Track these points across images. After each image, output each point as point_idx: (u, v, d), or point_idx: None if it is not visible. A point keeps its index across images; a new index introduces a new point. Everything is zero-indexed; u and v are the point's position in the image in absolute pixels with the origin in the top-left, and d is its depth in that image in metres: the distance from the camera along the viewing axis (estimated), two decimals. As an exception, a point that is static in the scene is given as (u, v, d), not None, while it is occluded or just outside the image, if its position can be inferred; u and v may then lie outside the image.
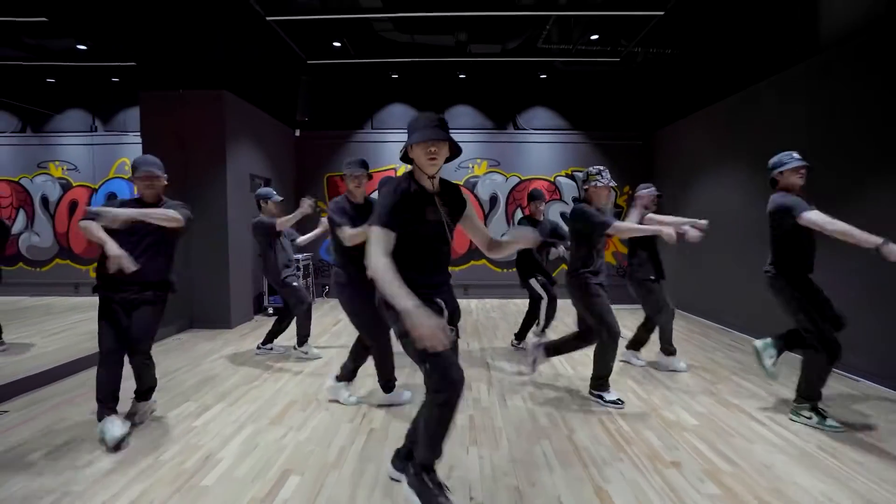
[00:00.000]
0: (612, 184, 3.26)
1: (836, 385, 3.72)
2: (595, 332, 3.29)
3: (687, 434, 2.86)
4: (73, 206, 8.22)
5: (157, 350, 3.10)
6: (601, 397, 3.33)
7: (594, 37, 6.43)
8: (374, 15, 5.81)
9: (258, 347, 4.63)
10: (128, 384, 3.02)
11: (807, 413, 2.96)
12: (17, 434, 2.82)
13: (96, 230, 2.56)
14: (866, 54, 3.88)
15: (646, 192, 4.06)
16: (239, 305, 5.97)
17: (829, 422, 2.90)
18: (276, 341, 4.64)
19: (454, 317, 2.09)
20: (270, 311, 6.52)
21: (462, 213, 2.10)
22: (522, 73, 7.86)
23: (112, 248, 2.55)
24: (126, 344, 2.80)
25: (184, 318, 5.61)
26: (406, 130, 1.97)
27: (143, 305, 2.84)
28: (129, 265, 2.54)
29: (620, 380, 3.80)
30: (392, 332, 3.42)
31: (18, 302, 7.30)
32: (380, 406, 3.25)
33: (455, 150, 1.97)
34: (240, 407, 3.26)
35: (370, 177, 3.25)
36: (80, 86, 7.97)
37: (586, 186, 3.28)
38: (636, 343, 4.26)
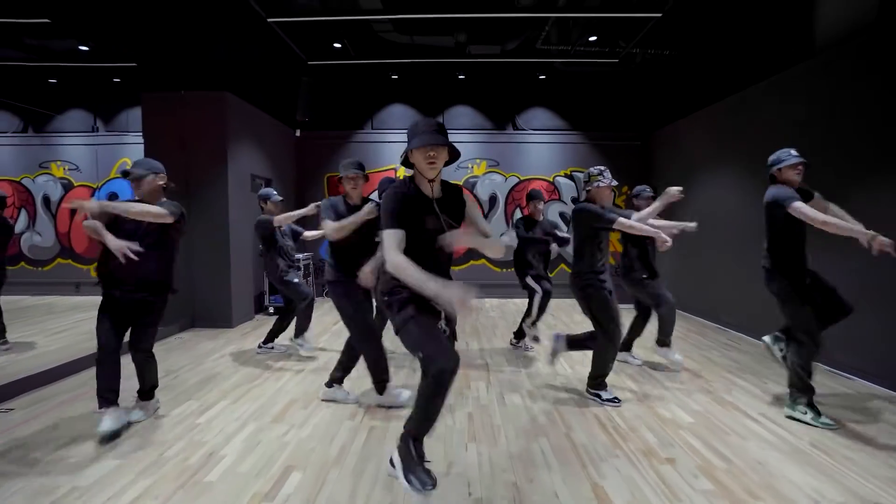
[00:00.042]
0: (614, 183, 3.31)
1: (830, 383, 3.77)
2: (596, 334, 3.34)
3: (682, 431, 2.90)
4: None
5: (159, 349, 3.15)
6: (598, 396, 3.38)
7: (593, 38, 6.47)
8: (374, 16, 5.85)
9: (259, 346, 4.68)
10: (131, 384, 3.08)
11: (802, 408, 3.02)
12: (24, 431, 2.87)
13: (100, 228, 2.68)
14: (866, 54, 3.90)
15: (644, 193, 4.19)
16: (240, 305, 6.02)
17: (823, 419, 2.95)
18: (276, 340, 4.69)
19: (452, 319, 2.16)
20: (271, 310, 6.57)
21: (463, 215, 2.16)
22: (521, 74, 7.90)
23: (111, 240, 2.66)
24: (122, 340, 2.87)
25: (186, 318, 5.66)
26: (406, 131, 2.06)
27: (144, 305, 2.91)
28: (131, 253, 2.65)
29: (617, 379, 3.85)
30: (384, 330, 3.54)
31: (20, 301, 7.34)
32: (379, 406, 3.29)
33: (454, 154, 2.05)
34: (242, 405, 3.31)
35: (366, 178, 3.27)
36: (82, 86, 8.02)
37: (588, 187, 3.33)
38: (630, 342, 4.31)
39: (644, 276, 4.02)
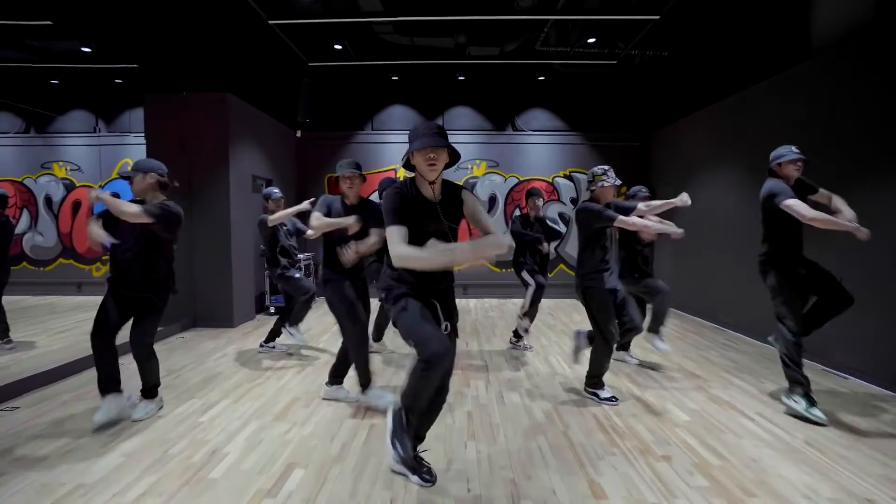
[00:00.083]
0: (618, 182, 3.35)
1: (825, 382, 3.81)
2: (595, 336, 3.38)
3: (678, 430, 2.94)
4: (77, 206, 8.31)
5: (161, 348, 3.20)
6: (596, 395, 3.42)
7: (591, 40, 6.51)
8: (374, 18, 5.89)
9: (261, 346, 4.71)
10: (135, 382, 3.12)
11: (797, 398, 3.06)
12: (29, 429, 2.91)
13: (94, 225, 2.85)
14: (866, 54, 3.93)
15: (640, 194, 4.25)
16: (241, 304, 6.06)
17: (815, 411, 2.99)
18: (278, 340, 4.73)
19: (453, 319, 2.22)
20: (272, 309, 6.60)
21: (461, 215, 2.20)
22: (521, 75, 7.94)
23: (93, 229, 2.81)
24: (120, 325, 2.96)
25: (187, 317, 5.70)
26: (406, 132, 2.12)
27: (143, 304, 3.00)
28: (105, 241, 2.79)
29: (615, 378, 3.89)
30: (371, 331, 3.59)
31: (22, 301, 7.38)
32: (358, 403, 3.29)
33: (454, 156, 2.09)
34: (244, 403, 3.35)
35: (363, 178, 3.29)
36: (84, 87, 8.05)
37: (593, 187, 3.36)
38: (628, 342, 4.35)
39: (635, 275, 4.11)
